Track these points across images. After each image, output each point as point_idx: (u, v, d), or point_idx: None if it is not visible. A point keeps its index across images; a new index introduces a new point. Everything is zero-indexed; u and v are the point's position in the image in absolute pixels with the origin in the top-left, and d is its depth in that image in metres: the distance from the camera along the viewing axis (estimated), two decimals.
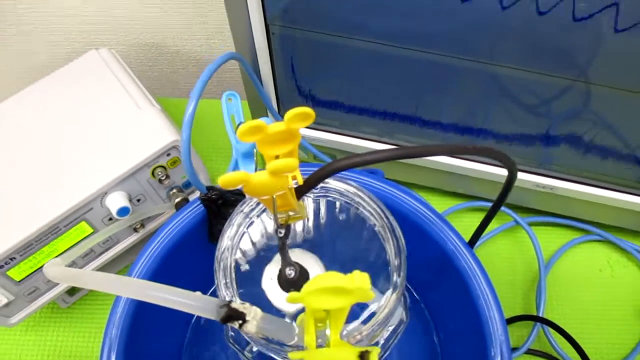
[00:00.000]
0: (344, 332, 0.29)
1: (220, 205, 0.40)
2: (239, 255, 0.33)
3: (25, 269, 0.45)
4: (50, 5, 0.66)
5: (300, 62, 0.50)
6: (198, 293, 0.27)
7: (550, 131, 0.49)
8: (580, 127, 0.47)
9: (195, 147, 0.48)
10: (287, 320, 0.30)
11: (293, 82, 0.52)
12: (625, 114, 0.45)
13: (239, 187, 0.25)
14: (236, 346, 0.34)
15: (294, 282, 0.30)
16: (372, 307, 0.30)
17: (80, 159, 0.47)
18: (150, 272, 0.39)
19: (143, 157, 0.46)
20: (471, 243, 0.40)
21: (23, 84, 0.53)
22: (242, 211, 0.33)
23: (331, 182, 0.34)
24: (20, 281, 0.46)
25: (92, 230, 0.47)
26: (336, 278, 0.22)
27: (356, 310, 0.31)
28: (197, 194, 0.45)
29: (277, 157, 0.26)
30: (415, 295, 0.48)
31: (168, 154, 0.48)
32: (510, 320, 0.52)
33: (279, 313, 0.31)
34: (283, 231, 0.30)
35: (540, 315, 0.53)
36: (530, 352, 0.52)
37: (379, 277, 0.31)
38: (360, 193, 0.34)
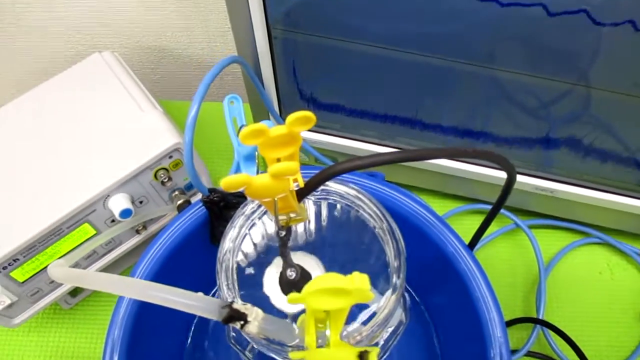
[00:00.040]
0: (344, 333, 0.29)
1: (222, 207, 0.41)
2: (240, 257, 0.33)
3: (28, 270, 0.46)
4: (53, 9, 0.67)
5: (301, 66, 0.50)
6: (200, 294, 0.28)
7: (551, 134, 0.49)
8: (580, 130, 0.48)
9: (197, 149, 0.49)
10: (288, 321, 0.30)
11: (295, 86, 0.53)
12: (625, 118, 0.45)
13: (241, 189, 0.25)
14: (237, 347, 0.35)
15: (295, 283, 0.31)
16: (372, 308, 0.31)
17: (83, 161, 0.47)
18: (153, 273, 0.39)
19: (146, 159, 0.46)
20: (471, 245, 0.41)
21: (27, 87, 0.54)
22: (243, 213, 0.34)
23: (332, 185, 0.34)
24: (23, 282, 0.46)
25: (94, 232, 0.48)
26: (336, 279, 0.22)
27: (356, 312, 0.31)
28: (199, 196, 0.45)
29: (278, 159, 0.26)
30: (416, 297, 0.48)
31: (170, 157, 0.48)
32: (510, 323, 0.52)
33: (280, 314, 0.31)
34: (284, 233, 0.30)
35: (540, 317, 0.53)
36: (530, 354, 0.52)
37: (379, 278, 0.32)
38: (360, 195, 0.34)
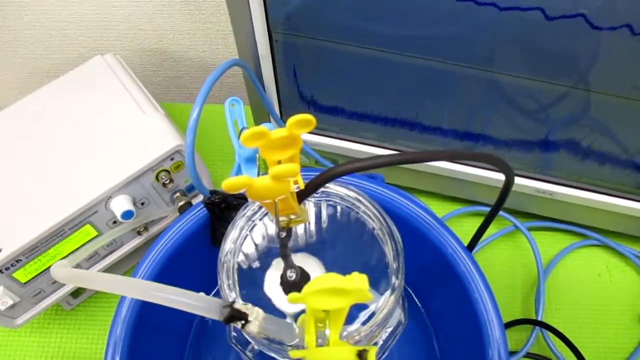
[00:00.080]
0: (344, 333, 0.30)
1: (223, 209, 0.41)
2: (241, 257, 0.33)
3: (30, 271, 0.46)
4: (56, 12, 0.67)
5: (302, 69, 0.51)
6: (202, 294, 0.28)
7: (550, 137, 0.49)
8: (579, 133, 0.48)
9: (199, 151, 0.49)
10: (288, 321, 0.31)
11: (295, 88, 0.53)
12: (625, 121, 0.46)
13: (242, 191, 0.25)
14: (238, 346, 0.35)
15: (295, 284, 0.31)
16: (371, 309, 0.31)
17: (85, 163, 0.48)
18: (154, 274, 0.40)
19: (147, 161, 0.47)
20: (470, 247, 0.41)
21: (29, 89, 0.54)
22: (244, 215, 0.34)
23: (332, 187, 0.34)
24: (25, 283, 0.47)
25: (96, 233, 0.48)
26: (335, 279, 0.22)
27: (356, 313, 0.31)
28: (201, 197, 0.45)
29: (279, 162, 0.26)
30: (415, 299, 0.49)
31: (172, 158, 0.48)
32: (510, 324, 0.52)
33: (280, 314, 0.31)
34: (284, 234, 0.31)
35: (539, 319, 0.53)
36: (529, 355, 0.52)
37: (379, 279, 0.32)
38: (360, 197, 0.34)
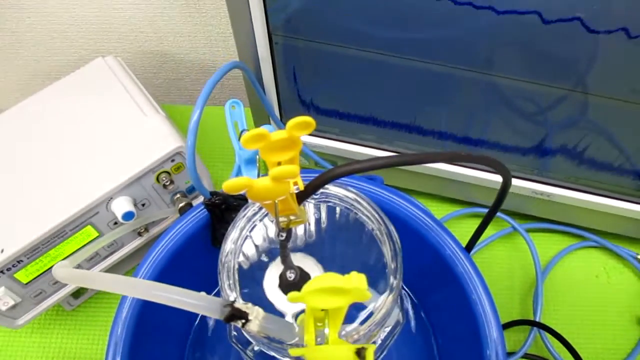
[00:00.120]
0: (343, 332, 0.30)
1: (224, 210, 0.41)
2: (241, 257, 0.33)
3: (32, 271, 0.46)
4: (57, 14, 0.67)
5: (302, 71, 0.51)
6: (203, 293, 0.28)
7: (548, 139, 0.49)
8: (578, 135, 0.48)
9: (199, 153, 0.49)
10: (288, 320, 0.31)
11: (295, 91, 0.53)
12: (623, 123, 0.46)
13: (242, 192, 0.25)
14: (238, 345, 0.35)
15: (294, 284, 0.31)
16: (370, 308, 0.31)
17: (86, 164, 0.48)
18: (155, 275, 0.40)
19: (148, 162, 0.47)
20: (468, 248, 0.41)
21: (30, 91, 0.54)
22: (245, 215, 0.34)
23: (331, 188, 0.35)
24: (27, 283, 0.47)
25: (97, 234, 0.48)
26: (334, 279, 0.23)
27: (354, 313, 0.31)
28: (201, 199, 0.45)
29: (279, 163, 0.27)
30: (414, 299, 0.49)
31: (172, 160, 0.49)
32: (507, 325, 0.52)
33: (280, 313, 0.31)
34: (284, 235, 0.31)
35: (537, 320, 0.53)
36: (526, 356, 0.52)
37: (377, 279, 0.32)
38: (359, 199, 0.34)
